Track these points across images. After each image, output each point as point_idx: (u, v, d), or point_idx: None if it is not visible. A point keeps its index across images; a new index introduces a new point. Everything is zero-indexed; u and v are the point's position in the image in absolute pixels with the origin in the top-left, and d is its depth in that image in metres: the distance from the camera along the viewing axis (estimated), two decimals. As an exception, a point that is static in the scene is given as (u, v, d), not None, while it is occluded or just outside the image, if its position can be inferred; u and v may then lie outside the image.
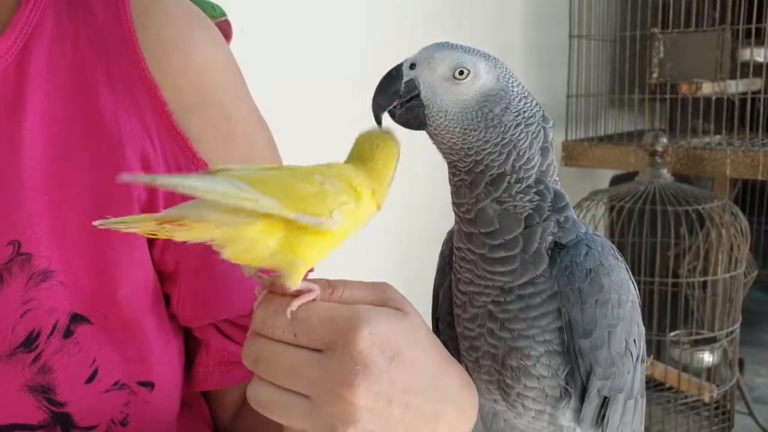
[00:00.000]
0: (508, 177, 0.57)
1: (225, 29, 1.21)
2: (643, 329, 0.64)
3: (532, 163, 0.58)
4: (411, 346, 0.53)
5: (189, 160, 0.69)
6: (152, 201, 0.67)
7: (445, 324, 0.67)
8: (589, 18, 2.69)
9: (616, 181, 3.11)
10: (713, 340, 2.46)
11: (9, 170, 0.64)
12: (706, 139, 2.58)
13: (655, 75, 2.52)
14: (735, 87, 2.52)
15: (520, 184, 0.58)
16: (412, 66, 0.57)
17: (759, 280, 2.79)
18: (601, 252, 0.59)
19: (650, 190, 2.36)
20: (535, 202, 0.58)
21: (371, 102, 0.57)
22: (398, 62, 0.58)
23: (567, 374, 0.59)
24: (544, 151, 0.59)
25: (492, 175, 0.57)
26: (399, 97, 0.57)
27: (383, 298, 0.55)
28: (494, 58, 0.59)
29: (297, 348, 0.51)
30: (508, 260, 0.58)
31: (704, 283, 2.49)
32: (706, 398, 2.35)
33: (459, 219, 0.60)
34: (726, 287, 2.45)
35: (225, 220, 0.47)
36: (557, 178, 0.61)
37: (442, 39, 2.30)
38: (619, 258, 0.62)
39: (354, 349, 0.50)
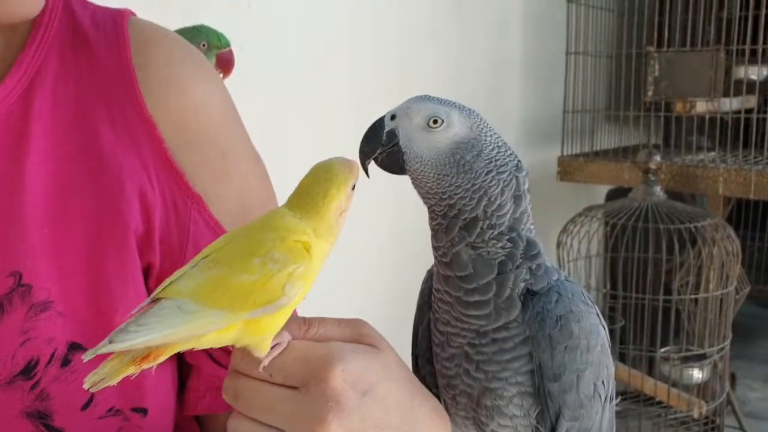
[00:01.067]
0: (481, 222, 0.60)
1: (228, 57, 1.24)
2: (612, 370, 0.67)
3: (504, 210, 0.61)
4: (383, 382, 0.55)
5: (185, 195, 0.71)
6: (149, 234, 0.70)
7: (425, 360, 0.70)
8: (586, 35, 2.72)
9: (612, 195, 3.14)
10: (703, 356, 2.48)
11: (12, 204, 0.66)
12: (700, 156, 2.61)
13: (650, 93, 2.55)
14: (729, 105, 2.54)
15: (492, 230, 0.60)
16: (393, 117, 0.61)
17: (752, 295, 2.81)
18: (571, 299, 0.62)
19: (643, 207, 2.38)
20: (508, 249, 0.61)
21: (358, 151, 0.61)
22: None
23: (538, 414, 0.62)
24: (517, 198, 0.62)
25: (465, 219, 0.60)
26: (382, 145, 0.60)
27: (357, 334, 0.57)
28: (470, 109, 0.62)
29: (273, 385, 0.54)
30: (482, 304, 0.61)
31: (696, 300, 2.51)
32: (696, 414, 2.37)
33: (437, 262, 0.63)
34: (717, 304, 2.47)
35: (187, 337, 0.49)
36: (532, 227, 0.63)
37: (439, 55, 2.34)
38: (590, 303, 0.65)
39: (327, 387, 0.52)
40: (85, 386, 0.49)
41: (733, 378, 2.95)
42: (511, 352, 0.61)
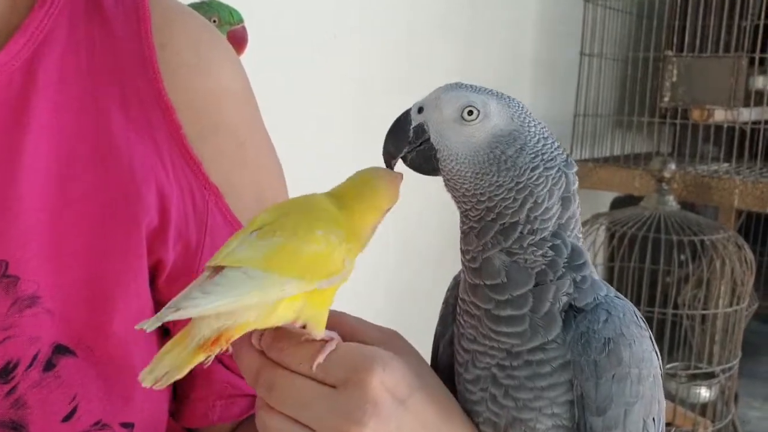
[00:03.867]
0: (521, 227, 0.53)
1: (242, 35, 1.17)
2: (664, 405, 0.58)
3: (550, 213, 0.53)
4: (420, 392, 0.53)
5: (202, 186, 0.67)
6: (164, 228, 0.65)
7: (444, 377, 0.61)
8: (602, 36, 2.64)
9: (617, 204, 3.06)
10: (711, 375, 2.40)
11: (6, 185, 0.60)
12: (714, 167, 2.53)
13: (666, 98, 2.47)
14: (748, 115, 2.46)
15: (533, 236, 0.53)
16: (420, 110, 0.54)
17: (757, 311, 2.74)
18: (623, 319, 0.54)
19: (655, 216, 2.30)
20: (549, 258, 0.53)
21: (382, 149, 0.55)
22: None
23: None
24: (566, 200, 0.53)
25: (504, 224, 0.53)
26: (409, 143, 0.55)
27: (393, 343, 0.55)
28: (508, 97, 0.55)
29: (311, 381, 0.51)
30: (516, 320, 0.53)
31: (704, 316, 2.43)
32: (701, 434, 2.29)
33: (465, 268, 0.55)
34: (727, 321, 2.39)
35: (257, 312, 0.47)
36: (580, 234, 0.55)
37: (454, 54, 2.25)
38: (643, 326, 0.56)
39: (366, 388, 0.50)
40: (145, 383, 0.46)
41: (735, 397, 2.87)
42: (548, 378, 0.53)
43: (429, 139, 0.54)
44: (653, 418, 0.56)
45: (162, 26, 0.66)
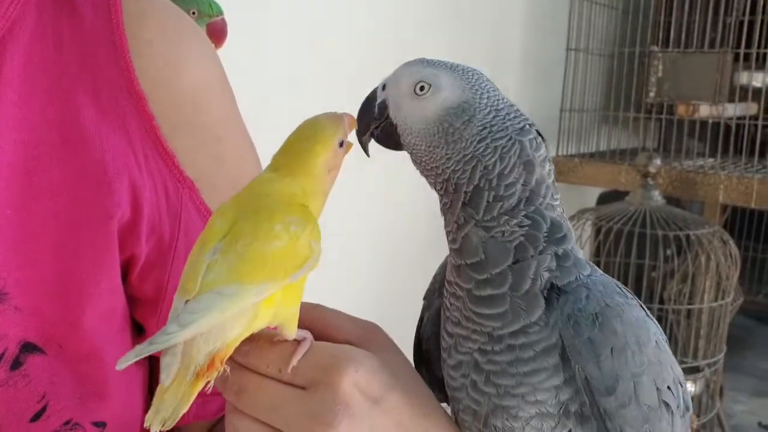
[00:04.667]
0: (486, 194, 0.52)
1: (221, 27, 1.15)
2: (680, 371, 0.56)
3: (510, 178, 0.52)
4: (396, 392, 0.52)
5: (176, 180, 0.65)
6: (136, 222, 0.63)
7: (428, 351, 0.62)
8: (588, 31, 2.64)
9: (603, 199, 3.06)
10: (696, 369, 2.41)
11: None
12: (700, 162, 2.54)
13: (652, 94, 2.47)
14: (732, 111, 2.47)
15: (501, 202, 0.52)
16: (384, 87, 0.56)
17: (743, 306, 2.75)
18: (604, 292, 0.52)
19: (640, 211, 2.30)
20: (525, 227, 0.51)
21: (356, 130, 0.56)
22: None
23: None
24: (528, 165, 0.52)
25: (466, 192, 0.53)
26: (375, 119, 0.56)
27: (370, 337, 0.54)
28: (466, 69, 0.55)
29: (280, 383, 0.50)
30: (496, 300, 0.51)
31: (689, 311, 2.44)
32: (686, 428, 2.30)
33: (450, 250, 0.55)
34: (712, 316, 2.40)
35: (240, 324, 0.47)
36: (557, 203, 0.54)
37: (439, 48, 2.24)
38: (629, 296, 0.55)
39: (337, 389, 0.49)
40: (153, 428, 0.45)
41: (720, 391, 2.89)
42: (530, 363, 0.51)
43: (388, 114, 0.55)
44: (668, 387, 0.53)
45: (134, 16, 0.64)
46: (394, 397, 0.51)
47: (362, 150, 0.56)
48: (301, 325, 0.52)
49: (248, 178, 0.72)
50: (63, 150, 0.60)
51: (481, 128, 0.53)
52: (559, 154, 2.69)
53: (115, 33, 0.63)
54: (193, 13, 1.06)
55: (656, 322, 0.55)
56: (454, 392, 0.55)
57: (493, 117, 0.53)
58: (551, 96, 2.71)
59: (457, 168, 0.53)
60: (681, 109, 2.44)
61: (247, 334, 0.48)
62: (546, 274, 0.51)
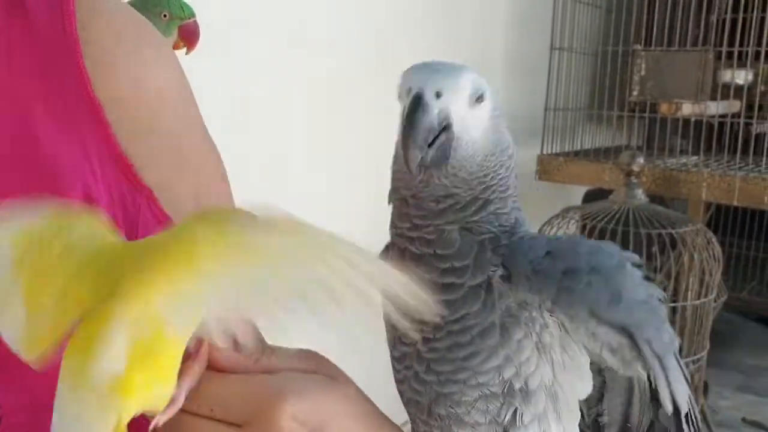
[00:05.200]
0: (496, 204, 0.53)
1: (193, 29, 1.14)
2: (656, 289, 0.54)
3: (510, 185, 0.54)
4: (338, 418, 0.49)
5: (133, 188, 0.64)
6: None
7: None
8: (572, 30, 2.64)
9: (589, 197, 3.07)
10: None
11: None
12: (683, 160, 2.55)
13: (635, 93, 2.48)
14: (715, 109, 2.48)
15: (498, 207, 0.53)
16: (438, 95, 0.49)
17: (727, 302, 2.77)
18: (539, 235, 0.54)
19: (624, 210, 2.31)
20: (501, 227, 0.53)
21: (404, 149, 0.49)
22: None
23: (512, 414, 0.52)
24: (515, 167, 0.55)
25: (485, 199, 0.52)
26: (432, 131, 0.49)
27: (312, 366, 0.52)
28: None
29: (214, 422, 0.48)
30: (454, 288, 0.52)
31: (674, 309, 2.45)
32: (670, 425, 2.31)
33: (409, 241, 0.53)
34: (696, 313, 2.41)
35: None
36: (516, 202, 0.55)
37: (423, 46, 2.22)
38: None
39: (273, 426, 0.46)
40: None
41: (705, 386, 2.90)
42: (468, 347, 0.51)
43: (448, 127, 0.50)
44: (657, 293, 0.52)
45: (88, 21, 0.63)
46: (336, 424, 0.49)
47: (408, 167, 0.49)
48: (242, 372, 0.49)
49: (209, 184, 0.71)
50: (14, 157, 0.59)
51: (508, 129, 0.54)
52: (544, 152, 2.70)
53: (69, 39, 0.61)
54: (165, 15, 1.05)
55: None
56: (399, 385, 0.56)
57: (503, 119, 0.54)
58: (536, 94, 2.71)
59: (505, 174, 0.53)
60: (664, 108, 2.45)
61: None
62: (498, 260, 0.52)
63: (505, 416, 0.52)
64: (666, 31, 2.46)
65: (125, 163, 0.63)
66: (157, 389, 0.44)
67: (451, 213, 0.52)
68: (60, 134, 0.60)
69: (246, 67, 1.80)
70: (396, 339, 0.55)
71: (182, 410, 0.48)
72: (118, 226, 0.63)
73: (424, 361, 0.53)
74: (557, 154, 2.70)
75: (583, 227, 2.40)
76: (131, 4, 1.06)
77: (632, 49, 2.51)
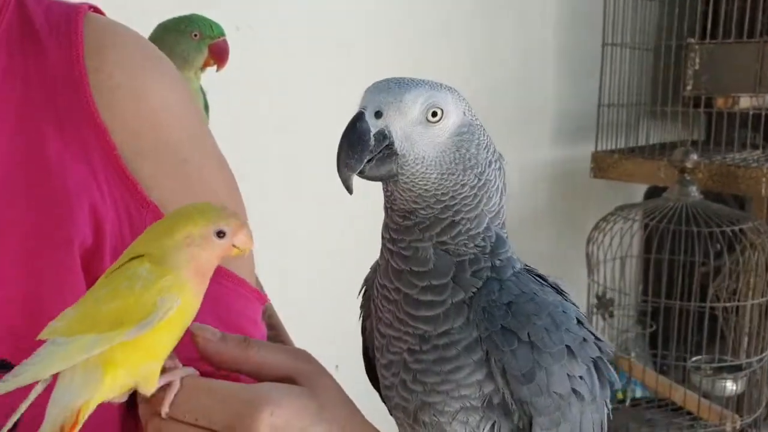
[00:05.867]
0: (469, 223, 0.53)
1: (223, 48, 1.19)
2: (609, 348, 0.57)
3: (496, 207, 0.54)
4: (316, 426, 0.52)
5: (139, 205, 0.68)
6: (99, 247, 0.66)
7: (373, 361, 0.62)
8: (624, 26, 2.59)
9: (651, 194, 3.00)
10: (738, 368, 2.35)
11: None
12: (743, 155, 2.46)
13: (689, 87, 2.41)
14: (777, 101, 2.39)
15: (474, 229, 0.54)
16: (378, 114, 0.51)
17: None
18: (517, 281, 0.54)
19: (678, 207, 2.26)
20: (479, 247, 0.54)
21: (337, 164, 0.51)
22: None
23: (491, 429, 0.55)
24: (503, 192, 0.55)
25: (455, 220, 0.53)
26: (370, 152, 0.50)
27: (296, 367, 0.54)
28: (449, 87, 0.54)
29: (198, 429, 0.51)
30: (435, 305, 0.54)
31: (734, 308, 2.38)
32: (729, 428, 2.25)
33: (388, 252, 0.55)
34: (758, 313, 2.33)
35: (86, 390, 0.48)
36: (503, 221, 0.56)
37: (468, 47, 2.22)
38: (545, 283, 0.56)
39: None
40: None
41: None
42: (453, 361, 0.54)
43: (390, 145, 0.51)
44: (588, 364, 0.54)
45: (95, 50, 0.68)
46: (315, 430, 0.52)
47: (345, 188, 0.51)
48: (230, 363, 0.53)
49: (218, 196, 0.73)
50: (29, 184, 0.64)
51: (486, 150, 0.53)
52: (598, 149, 2.66)
53: (75, 68, 0.67)
54: (195, 35, 1.11)
55: (575, 305, 0.56)
56: (386, 391, 0.58)
57: (486, 137, 0.54)
58: (589, 91, 2.68)
59: (470, 194, 0.53)
60: (720, 102, 2.38)
61: (98, 401, 0.49)
62: (480, 283, 0.53)
63: (484, 429, 0.55)
64: (720, 23, 2.38)
65: (131, 181, 0.67)
66: (142, 369, 0.50)
67: (417, 230, 0.53)
68: (69, 157, 0.65)
69: (280, 72, 1.86)
70: (383, 347, 0.57)
71: (169, 417, 0.51)
72: (125, 241, 0.67)
73: (411, 371, 0.55)
74: (612, 151, 2.65)
75: (645, 225, 2.36)
76: (163, 24, 1.15)
77: (686, 42, 2.44)
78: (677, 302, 2.24)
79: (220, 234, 0.51)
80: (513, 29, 2.58)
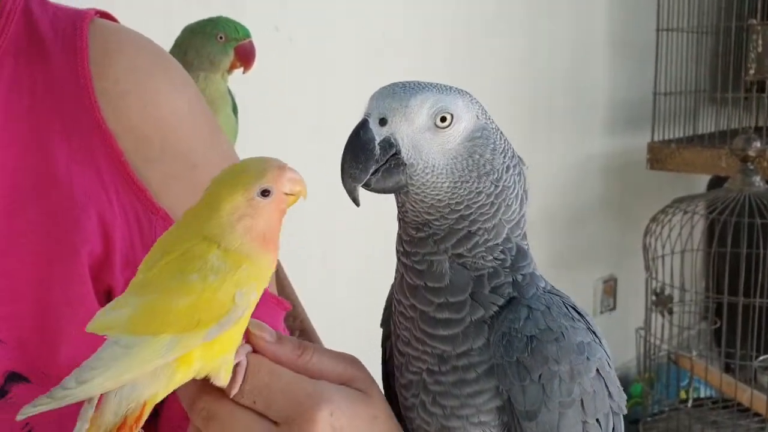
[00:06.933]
0: (487, 234, 0.50)
1: (249, 49, 1.18)
2: (622, 399, 0.54)
3: (515, 216, 0.51)
4: None
5: (148, 211, 0.67)
6: (108, 255, 0.65)
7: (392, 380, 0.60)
8: (681, 9, 2.48)
9: (714, 185, 2.87)
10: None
11: None
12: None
13: (751, 71, 2.29)
14: None
15: (492, 240, 0.50)
16: (383, 121, 0.48)
17: None
18: (546, 312, 0.50)
19: (741, 198, 2.15)
20: (499, 261, 0.51)
21: (341, 175, 0.48)
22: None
23: None
24: (523, 200, 0.52)
25: (471, 230, 0.50)
26: (376, 161, 0.48)
27: (350, 374, 0.52)
28: (460, 90, 0.51)
29: (253, 414, 0.49)
30: (452, 323, 0.51)
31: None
32: (800, 431, 2.13)
33: (404, 267, 0.53)
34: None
35: (157, 383, 0.45)
36: (524, 230, 0.52)
37: (518, 39, 2.16)
38: (576, 317, 0.52)
39: (311, 429, 0.47)
40: None
41: None
42: (473, 384, 0.51)
43: (397, 153, 0.48)
44: (597, 420, 0.52)
45: (100, 56, 0.67)
46: None
47: (351, 200, 0.49)
48: (286, 366, 0.49)
49: None
50: (37, 193, 0.64)
51: (503, 155, 0.50)
52: (655, 139, 2.56)
53: (80, 75, 0.66)
54: (221, 37, 1.09)
55: (604, 346, 0.53)
56: (407, 412, 0.55)
57: (503, 141, 0.51)
58: (644, 79, 2.58)
59: (486, 202, 0.50)
60: (785, 86, 2.25)
61: (166, 393, 0.46)
62: (501, 301, 0.50)
63: None
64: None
65: (139, 188, 0.66)
66: (216, 362, 0.46)
67: (431, 242, 0.50)
68: (77, 166, 0.65)
69: (327, 74, 1.86)
70: (402, 366, 0.54)
71: (221, 396, 0.49)
72: (135, 249, 0.66)
73: (431, 393, 0.52)
74: (669, 141, 2.54)
75: (707, 217, 2.26)
76: (189, 27, 1.14)
77: (747, 24, 2.32)
78: (741, 298, 2.13)
79: (265, 193, 0.46)
80: (564, 17, 2.50)
